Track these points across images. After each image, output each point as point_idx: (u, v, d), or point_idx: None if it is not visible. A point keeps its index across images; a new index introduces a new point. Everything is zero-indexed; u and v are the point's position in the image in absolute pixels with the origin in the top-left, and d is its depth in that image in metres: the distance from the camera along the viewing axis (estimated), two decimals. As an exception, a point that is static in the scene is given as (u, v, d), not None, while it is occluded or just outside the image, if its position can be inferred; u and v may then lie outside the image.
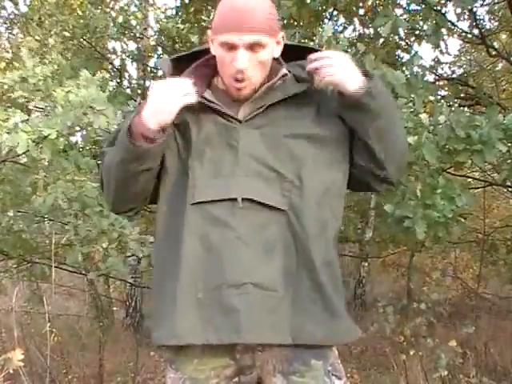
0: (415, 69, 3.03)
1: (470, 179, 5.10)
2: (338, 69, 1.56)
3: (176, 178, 1.64)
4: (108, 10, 4.74)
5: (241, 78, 1.56)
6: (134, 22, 4.45)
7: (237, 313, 1.52)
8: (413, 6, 3.84)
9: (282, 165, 1.59)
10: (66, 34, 4.21)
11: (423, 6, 3.68)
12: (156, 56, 4.79)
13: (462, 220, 2.64)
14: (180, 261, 1.57)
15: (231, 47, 1.55)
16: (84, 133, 3.10)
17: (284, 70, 1.65)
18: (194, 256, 1.56)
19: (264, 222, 1.57)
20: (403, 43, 3.97)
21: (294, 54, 1.72)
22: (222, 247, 1.55)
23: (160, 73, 4.76)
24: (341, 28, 4.27)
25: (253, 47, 1.55)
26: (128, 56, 4.58)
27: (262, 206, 1.57)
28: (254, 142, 1.60)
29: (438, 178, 2.45)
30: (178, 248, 1.58)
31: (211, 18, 4.34)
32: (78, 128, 2.51)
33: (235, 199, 1.55)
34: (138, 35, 4.19)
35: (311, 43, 3.04)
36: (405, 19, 3.46)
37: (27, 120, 2.43)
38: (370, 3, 4.06)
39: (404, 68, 2.92)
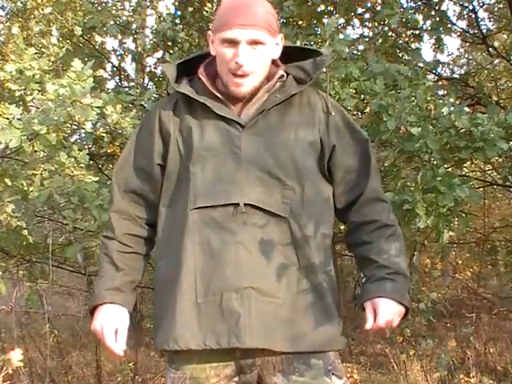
0: (420, 65, 3.05)
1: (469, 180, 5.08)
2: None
3: (177, 183, 1.65)
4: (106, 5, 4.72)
5: (241, 74, 1.57)
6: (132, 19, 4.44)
7: (237, 317, 1.52)
8: (411, 4, 3.87)
9: (284, 172, 1.60)
10: (65, 30, 4.20)
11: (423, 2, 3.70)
12: (156, 58, 4.77)
13: (464, 215, 2.64)
14: (180, 266, 1.58)
15: (233, 43, 1.56)
16: (82, 131, 3.08)
17: (281, 72, 1.66)
18: (195, 261, 1.57)
19: (265, 229, 1.57)
20: (401, 42, 3.96)
21: (293, 55, 1.72)
22: (222, 252, 1.56)
23: (159, 72, 4.75)
24: (340, 28, 4.26)
25: (254, 43, 1.57)
26: (126, 53, 4.58)
27: (264, 212, 1.57)
28: (256, 149, 1.60)
29: (438, 169, 2.46)
30: (178, 253, 1.59)
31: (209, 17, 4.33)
32: (70, 123, 2.50)
33: (237, 205, 1.56)
34: (136, 31, 4.18)
35: (312, 42, 3.02)
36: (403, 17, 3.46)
37: (20, 116, 2.43)
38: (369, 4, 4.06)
39: (403, 65, 2.91)
